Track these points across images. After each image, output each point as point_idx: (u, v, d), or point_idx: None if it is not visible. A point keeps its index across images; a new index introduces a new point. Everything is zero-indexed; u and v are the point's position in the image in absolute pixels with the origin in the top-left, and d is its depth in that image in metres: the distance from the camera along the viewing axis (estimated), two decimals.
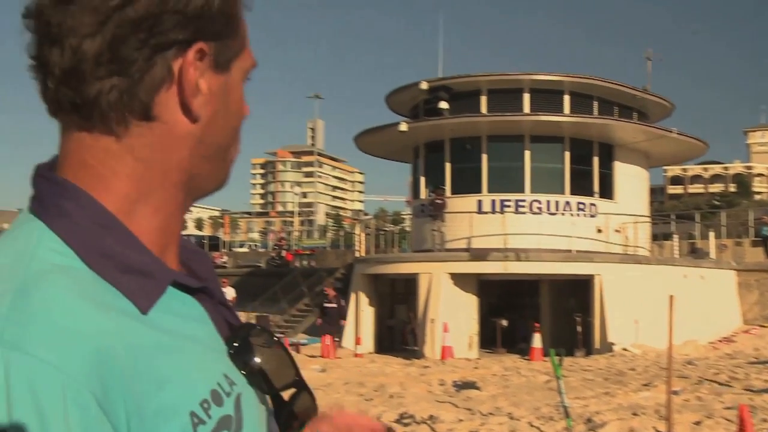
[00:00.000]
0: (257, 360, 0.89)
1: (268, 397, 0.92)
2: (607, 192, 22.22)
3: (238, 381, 0.85)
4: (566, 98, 22.63)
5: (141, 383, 0.74)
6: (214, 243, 49.94)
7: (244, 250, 52.31)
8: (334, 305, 20.34)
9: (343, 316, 20.60)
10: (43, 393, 0.68)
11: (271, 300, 27.12)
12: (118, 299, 0.78)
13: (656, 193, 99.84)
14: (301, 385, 0.95)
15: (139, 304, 0.79)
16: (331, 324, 20.04)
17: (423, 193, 22.92)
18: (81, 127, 0.83)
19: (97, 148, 0.83)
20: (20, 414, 0.67)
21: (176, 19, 0.82)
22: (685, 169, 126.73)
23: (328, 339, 19.41)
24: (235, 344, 0.88)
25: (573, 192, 21.65)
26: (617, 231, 21.59)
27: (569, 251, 19.88)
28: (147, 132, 0.84)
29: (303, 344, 21.22)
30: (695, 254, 24.50)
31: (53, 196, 0.82)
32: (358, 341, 20.32)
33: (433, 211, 21.17)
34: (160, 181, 0.85)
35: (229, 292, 22.80)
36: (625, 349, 18.06)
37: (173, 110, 0.84)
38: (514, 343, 20.37)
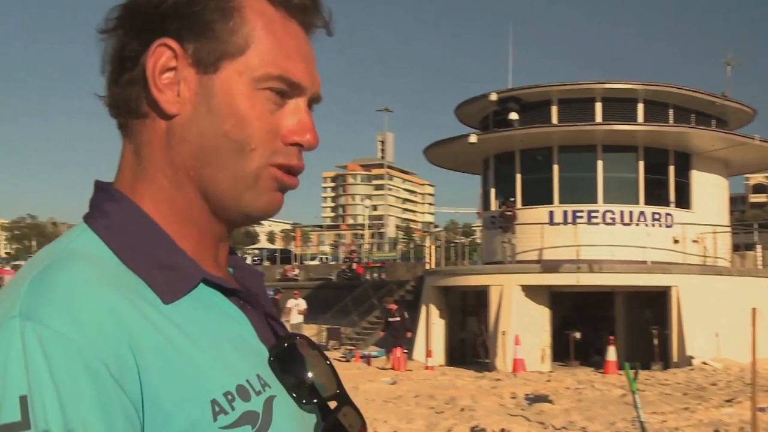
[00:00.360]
0: (299, 370, 0.90)
1: (315, 409, 0.92)
2: (684, 201, 21.61)
3: (273, 384, 0.87)
4: (640, 106, 22.14)
5: (159, 364, 0.77)
6: (286, 256, 50.57)
7: (316, 262, 52.84)
8: (398, 318, 20.30)
9: (408, 329, 20.53)
10: (55, 360, 0.71)
11: (342, 312, 27.27)
12: (144, 289, 0.82)
13: (737, 202, 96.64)
14: (343, 398, 0.95)
15: (162, 295, 0.82)
16: (397, 337, 20.01)
17: (493, 204, 22.73)
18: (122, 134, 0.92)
19: (123, 152, 0.92)
20: (35, 378, 0.71)
21: (142, 19, 0.87)
22: None
23: (398, 351, 19.38)
24: (278, 352, 0.90)
25: (648, 202, 21.13)
26: (695, 241, 20.95)
27: (644, 262, 19.40)
28: (144, 131, 0.89)
29: (374, 356, 21.24)
30: None
31: (99, 200, 0.89)
32: (428, 354, 20.23)
33: (503, 222, 20.95)
34: (170, 183, 0.89)
35: (301, 304, 23.02)
36: (705, 363, 17.48)
37: (154, 106, 0.88)
38: (588, 356, 19.96)
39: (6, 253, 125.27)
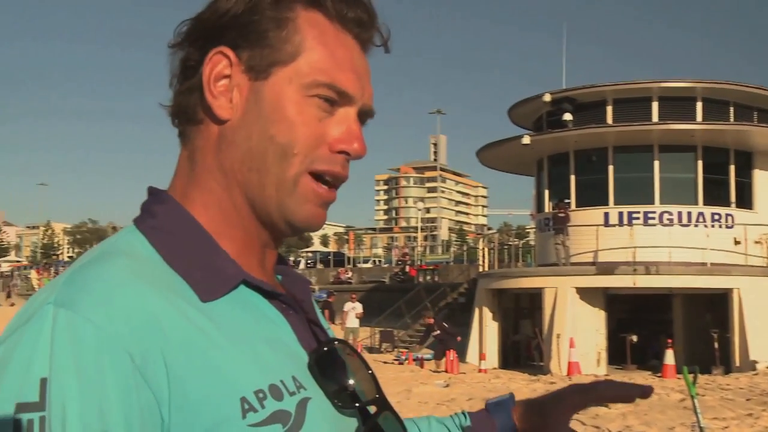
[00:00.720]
0: (339, 374, 0.91)
1: (355, 413, 0.92)
2: (745, 202, 21.05)
3: (309, 387, 0.87)
4: (699, 105, 21.64)
5: (189, 359, 0.78)
6: (339, 259, 50.84)
7: (369, 265, 52.94)
8: (439, 332, 20.24)
9: (455, 333, 20.44)
10: (82, 346, 0.74)
11: (395, 315, 27.29)
12: (183, 287, 0.84)
13: None
14: (382, 403, 0.95)
15: (200, 293, 0.84)
16: (447, 347, 19.89)
17: (547, 206, 22.49)
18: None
19: (181, 156, 0.95)
20: (58, 362, 0.73)
21: (201, 29, 0.92)
22: None
23: (451, 354, 19.31)
24: (317, 357, 0.91)
25: (707, 202, 20.63)
26: (757, 242, 20.39)
27: (704, 264, 18.96)
28: (198, 135, 0.93)
29: (427, 359, 21.21)
30: None
31: (149, 204, 0.93)
32: (482, 356, 20.11)
33: (556, 224, 20.71)
34: (219, 188, 0.92)
35: (357, 307, 23.10)
36: None
37: (208, 112, 0.92)
38: (645, 359, 19.59)
39: (68, 257, 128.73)
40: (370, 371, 0.95)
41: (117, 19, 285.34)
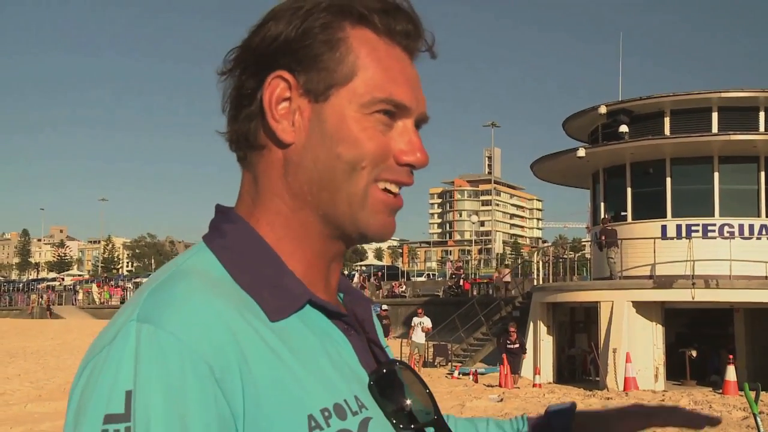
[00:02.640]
0: (398, 395, 0.93)
1: None
2: None
3: (370, 407, 0.90)
4: (761, 115, 21.12)
5: (263, 374, 0.81)
6: (393, 273, 50.87)
7: (423, 279, 52.86)
8: (517, 345, 19.97)
9: (524, 351, 20.27)
10: (165, 359, 0.78)
11: (449, 329, 27.14)
12: (253, 306, 0.87)
13: None
14: (440, 425, 0.97)
15: (269, 313, 0.87)
16: (515, 363, 19.71)
17: (604, 218, 22.17)
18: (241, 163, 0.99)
19: (243, 180, 0.98)
20: (143, 375, 0.77)
21: (258, 55, 0.93)
22: None
23: (506, 368, 19.14)
24: (377, 377, 0.93)
25: None
26: None
27: (767, 278, 18.44)
28: (261, 160, 0.95)
29: (481, 373, 21.05)
30: None
31: (217, 222, 0.96)
32: (536, 371, 19.89)
33: (608, 238, 20.46)
34: (286, 209, 0.94)
35: (425, 322, 22.90)
36: None
37: (273, 138, 0.94)
38: (705, 375, 19.13)
39: (127, 270, 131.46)
40: (427, 390, 0.96)
41: (174, 34, 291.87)
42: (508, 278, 39.81)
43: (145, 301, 0.83)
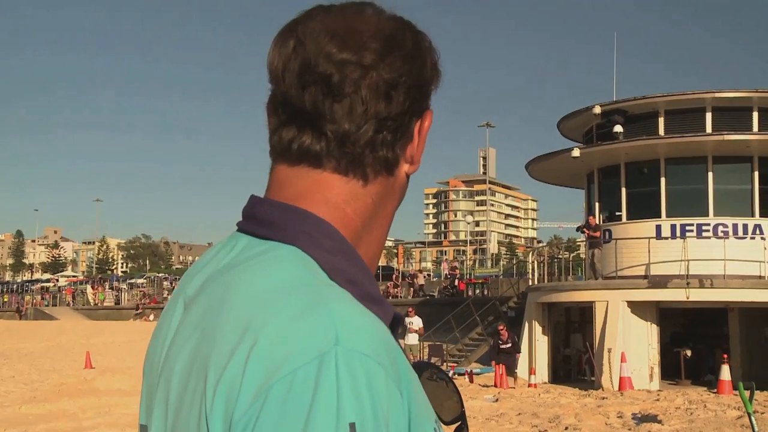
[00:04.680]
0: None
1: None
2: None
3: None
4: (755, 115, 21.20)
5: (412, 390, 0.83)
6: (388, 273, 50.83)
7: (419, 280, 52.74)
8: (509, 345, 20.00)
9: (518, 350, 20.29)
10: (375, 384, 0.76)
11: (445, 329, 27.17)
12: None
13: None
14: (463, 420, 1.01)
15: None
16: (508, 363, 19.76)
17: (598, 219, 22.24)
18: (326, 168, 0.94)
19: (345, 190, 0.95)
20: (364, 405, 0.75)
21: (427, 90, 0.99)
22: None
23: (501, 368, 19.16)
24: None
25: (763, 214, 20.16)
26: None
27: (761, 277, 18.50)
28: (385, 182, 0.97)
29: (476, 373, 21.07)
30: None
31: (298, 224, 0.92)
32: (532, 371, 19.92)
33: (589, 238, 20.74)
34: (379, 224, 0.99)
35: (416, 322, 22.73)
36: None
37: (404, 162, 0.99)
38: (700, 374, 19.18)
39: (122, 271, 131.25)
40: (454, 390, 1.02)
41: (170, 35, 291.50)
42: (455, 264, 39.89)
43: (331, 320, 0.79)
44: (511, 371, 19.49)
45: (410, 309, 24.23)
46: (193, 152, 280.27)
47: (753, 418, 7.82)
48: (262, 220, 0.93)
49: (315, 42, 0.91)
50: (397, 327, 0.95)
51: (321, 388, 0.74)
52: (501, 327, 20.41)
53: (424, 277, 40.77)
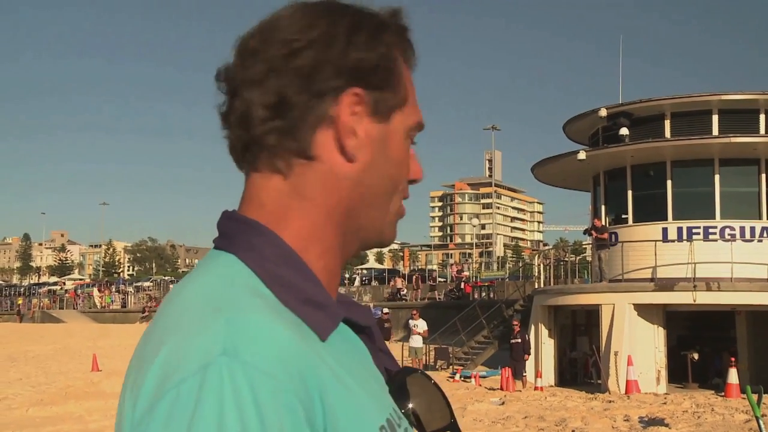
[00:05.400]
0: (410, 404, 0.95)
1: None
2: None
3: (402, 418, 0.91)
4: (762, 117, 21.16)
5: (336, 401, 0.80)
6: (394, 276, 50.78)
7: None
8: (519, 340, 20.03)
9: (527, 351, 20.29)
10: (264, 399, 0.74)
11: (451, 332, 27.14)
12: (303, 327, 0.84)
13: None
14: (455, 428, 0.98)
15: (319, 333, 0.85)
16: (516, 360, 19.76)
17: (604, 221, 22.21)
18: (254, 169, 0.94)
19: (269, 188, 0.93)
20: (247, 418, 0.73)
21: (334, 69, 0.91)
22: None
23: (508, 371, 19.14)
24: (392, 386, 0.94)
25: None
26: None
27: None
28: (309, 171, 0.92)
29: (482, 376, 21.03)
30: None
31: (242, 233, 0.91)
32: (538, 374, 19.87)
33: (597, 241, 20.72)
34: (324, 220, 0.93)
35: (421, 325, 22.65)
36: None
37: (332, 151, 0.92)
38: (707, 378, 19.11)
39: (128, 274, 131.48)
40: (442, 397, 0.98)
41: (175, 38, 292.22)
42: (461, 267, 39.83)
43: (226, 332, 0.78)
44: (518, 374, 19.46)
45: (414, 312, 24.22)
46: (199, 155, 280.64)
47: (761, 422, 7.79)
48: (219, 232, 0.94)
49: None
50: (362, 330, 0.94)
51: (203, 399, 0.73)
52: (515, 321, 20.56)
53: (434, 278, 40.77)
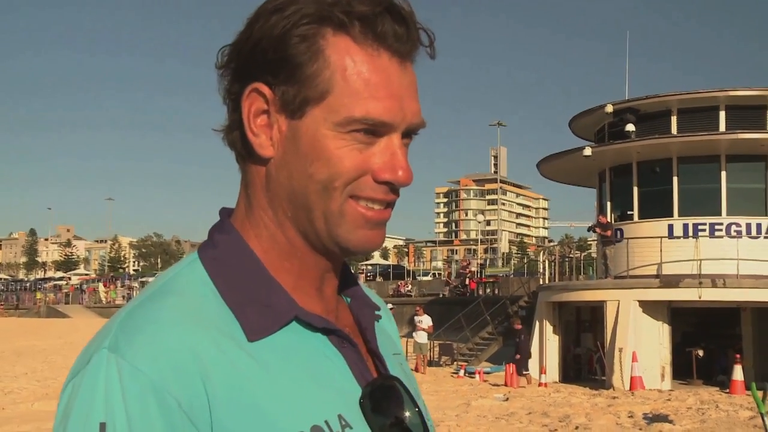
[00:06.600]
0: (394, 409, 0.90)
1: None
2: None
3: (356, 426, 0.87)
4: None
5: (231, 402, 0.80)
6: (399, 272, 50.84)
7: (428, 278, 52.80)
8: (517, 339, 20.01)
9: (522, 352, 20.27)
10: (131, 393, 0.79)
11: (455, 328, 27.13)
12: (233, 326, 0.85)
13: None
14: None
15: (249, 333, 0.85)
16: (523, 357, 19.71)
17: (610, 218, 22.16)
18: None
19: (241, 185, 0.97)
20: (112, 408, 0.78)
21: (242, 65, 0.91)
22: None
23: (512, 368, 19.11)
24: (371, 391, 0.90)
25: None
26: None
27: None
28: (248, 169, 0.94)
29: (487, 372, 21.02)
30: None
31: (213, 230, 0.95)
32: (542, 370, 19.85)
33: (602, 237, 20.72)
34: (263, 217, 0.93)
35: (425, 320, 22.65)
36: None
37: (253, 150, 0.92)
38: (712, 374, 19.07)
39: (134, 270, 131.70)
40: (417, 409, 0.92)
41: (181, 33, 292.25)
42: (466, 263, 39.60)
43: (118, 326, 0.84)
44: (521, 371, 19.41)
45: (418, 308, 24.17)
46: (205, 150, 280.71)
47: (766, 419, 7.76)
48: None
49: None
50: (319, 329, 0.91)
51: (83, 385, 0.81)
52: (516, 321, 20.63)
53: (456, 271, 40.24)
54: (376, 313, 1.05)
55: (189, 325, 0.82)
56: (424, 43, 0.93)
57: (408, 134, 0.92)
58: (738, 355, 17.49)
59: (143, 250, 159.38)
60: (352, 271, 1.05)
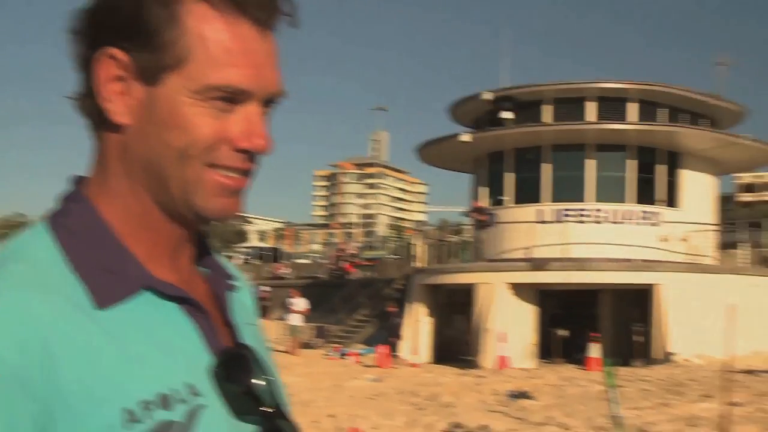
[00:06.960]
0: (243, 378, 0.89)
1: (255, 419, 0.91)
2: (672, 200, 21.65)
3: (206, 394, 0.86)
4: (633, 106, 22.18)
5: (70, 370, 0.78)
6: (277, 255, 50.48)
7: (306, 261, 52.69)
8: (398, 321, 20.32)
9: (395, 334, 20.61)
10: None
11: (330, 310, 27.20)
12: (79, 294, 0.83)
13: (728, 201, 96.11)
14: (282, 413, 0.92)
15: (97, 300, 0.83)
16: (393, 338, 19.97)
17: (486, 203, 22.75)
18: None
19: (92, 154, 0.94)
20: None
21: (91, 25, 0.88)
22: (759, 176, 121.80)
23: (385, 349, 19.33)
24: (222, 360, 0.90)
25: (638, 200, 21.18)
26: (683, 240, 20.99)
27: (629, 260, 19.42)
28: (102, 137, 0.91)
29: (361, 354, 21.17)
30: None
31: (65, 200, 0.92)
32: (414, 351, 20.18)
33: (478, 219, 21.44)
34: (126, 189, 0.90)
35: (301, 303, 22.57)
36: (686, 360, 17.48)
37: (105, 117, 0.89)
38: (573, 353, 19.99)
39: None
40: (272, 379, 0.92)
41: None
42: (343, 246, 40.02)
43: None
44: (392, 353, 19.68)
45: (292, 290, 24.10)
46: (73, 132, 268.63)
47: (612, 392, 8.19)
48: None
49: None
50: (171, 298, 0.89)
51: None
52: (390, 306, 20.82)
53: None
54: (233, 283, 1.04)
55: (31, 292, 0.79)
56: (286, 12, 0.92)
57: (267, 103, 0.92)
58: (593, 334, 18.40)
59: (5, 230, 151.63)
60: (211, 243, 1.04)
